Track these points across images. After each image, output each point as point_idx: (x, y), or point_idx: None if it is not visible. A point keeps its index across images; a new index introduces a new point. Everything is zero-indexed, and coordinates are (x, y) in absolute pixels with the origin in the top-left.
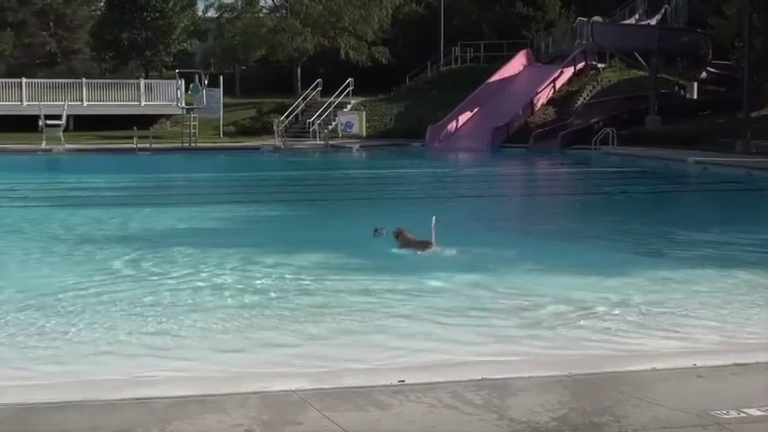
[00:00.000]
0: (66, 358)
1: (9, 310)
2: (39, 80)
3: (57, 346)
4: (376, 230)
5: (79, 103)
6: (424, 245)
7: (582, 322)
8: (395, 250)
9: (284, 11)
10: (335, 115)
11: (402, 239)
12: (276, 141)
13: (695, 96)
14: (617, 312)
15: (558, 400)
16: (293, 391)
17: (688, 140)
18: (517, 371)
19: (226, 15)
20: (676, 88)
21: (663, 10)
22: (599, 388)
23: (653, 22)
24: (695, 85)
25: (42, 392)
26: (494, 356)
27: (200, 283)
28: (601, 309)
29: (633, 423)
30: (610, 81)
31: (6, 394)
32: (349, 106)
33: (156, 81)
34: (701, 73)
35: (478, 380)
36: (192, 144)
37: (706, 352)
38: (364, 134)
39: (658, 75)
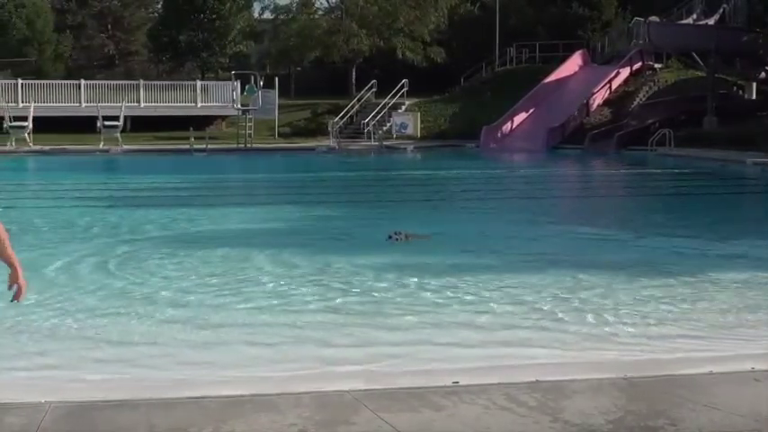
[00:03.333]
0: (123, 357)
1: (68, 309)
2: (97, 81)
3: (113, 345)
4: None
5: (136, 104)
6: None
7: (638, 324)
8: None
9: (339, 12)
10: (390, 116)
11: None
12: (331, 142)
13: (754, 97)
14: (674, 314)
15: (614, 403)
16: (347, 392)
17: (746, 141)
18: (572, 373)
19: (281, 17)
20: (735, 88)
21: (721, 9)
22: (655, 391)
23: (711, 21)
24: (754, 85)
25: (99, 391)
26: (548, 358)
27: (253, 284)
28: (657, 310)
29: (689, 427)
30: (667, 81)
31: (64, 392)
32: (403, 107)
33: (212, 82)
34: (759, 73)
35: (532, 382)
36: (248, 145)
37: (764, 356)
38: (419, 135)
39: (716, 75)
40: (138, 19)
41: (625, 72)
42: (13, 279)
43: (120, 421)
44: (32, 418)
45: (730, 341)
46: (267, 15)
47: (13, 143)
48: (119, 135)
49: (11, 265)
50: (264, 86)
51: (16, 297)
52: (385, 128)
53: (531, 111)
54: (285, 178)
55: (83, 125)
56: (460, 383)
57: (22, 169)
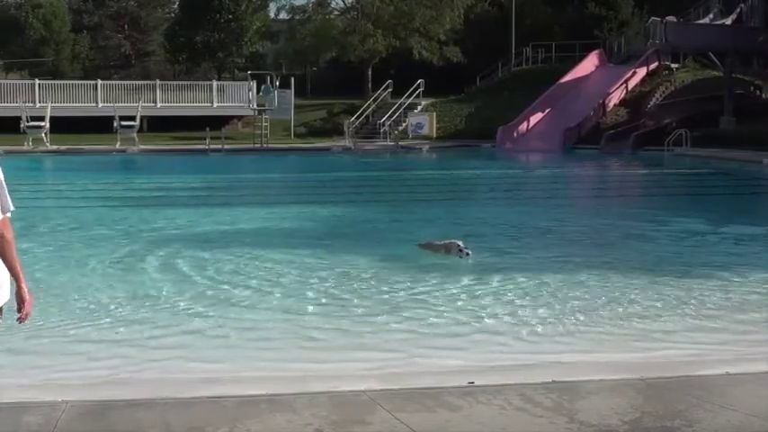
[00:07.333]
0: (139, 356)
1: (86, 309)
2: (113, 82)
3: (130, 344)
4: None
5: (153, 104)
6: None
7: (655, 325)
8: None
9: (355, 12)
10: (406, 116)
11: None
12: (347, 142)
13: None
14: (690, 315)
15: (630, 404)
16: (362, 392)
17: (763, 141)
18: (588, 374)
19: (297, 17)
20: (751, 88)
21: (738, 9)
22: (672, 392)
23: (728, 21)
24: None
25: (117, 390)
26: (564, 359)
27: (270, 284)
28: (673, 310)
29: (706, 428)
30: (683, 81)
31: (80, 391)
32: (419, 107)
33: (228, 83)
34: None
35: (549, 382)
36: (264, 145)
37: None
38: (434, 135)
39: (733, 75)
40: (155, 19)
41: (641, 72)
42: (19, 296)
43: (137, 420)
44: (49, 417)
45: (747, 342)
46: (283, 16)
47: (30, 143)
48: (135, 135)
49: (14, 274)
50: (280, 86)
51: (22, 318)
52: (401, 128)
53: (548, 111)
54: (302, 178)
55: (99, 125)
56: (476, 384)
57: (39, 169)
